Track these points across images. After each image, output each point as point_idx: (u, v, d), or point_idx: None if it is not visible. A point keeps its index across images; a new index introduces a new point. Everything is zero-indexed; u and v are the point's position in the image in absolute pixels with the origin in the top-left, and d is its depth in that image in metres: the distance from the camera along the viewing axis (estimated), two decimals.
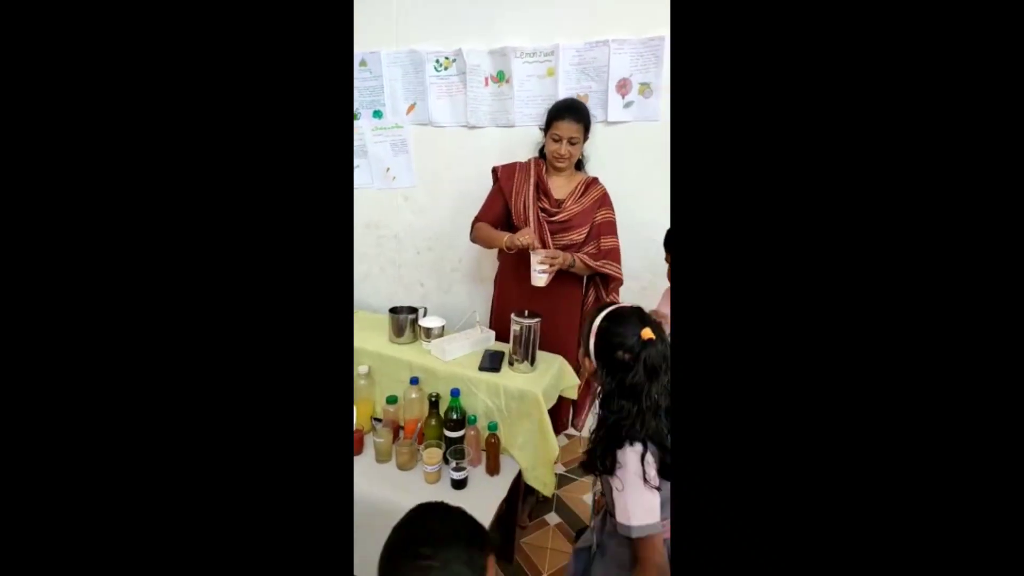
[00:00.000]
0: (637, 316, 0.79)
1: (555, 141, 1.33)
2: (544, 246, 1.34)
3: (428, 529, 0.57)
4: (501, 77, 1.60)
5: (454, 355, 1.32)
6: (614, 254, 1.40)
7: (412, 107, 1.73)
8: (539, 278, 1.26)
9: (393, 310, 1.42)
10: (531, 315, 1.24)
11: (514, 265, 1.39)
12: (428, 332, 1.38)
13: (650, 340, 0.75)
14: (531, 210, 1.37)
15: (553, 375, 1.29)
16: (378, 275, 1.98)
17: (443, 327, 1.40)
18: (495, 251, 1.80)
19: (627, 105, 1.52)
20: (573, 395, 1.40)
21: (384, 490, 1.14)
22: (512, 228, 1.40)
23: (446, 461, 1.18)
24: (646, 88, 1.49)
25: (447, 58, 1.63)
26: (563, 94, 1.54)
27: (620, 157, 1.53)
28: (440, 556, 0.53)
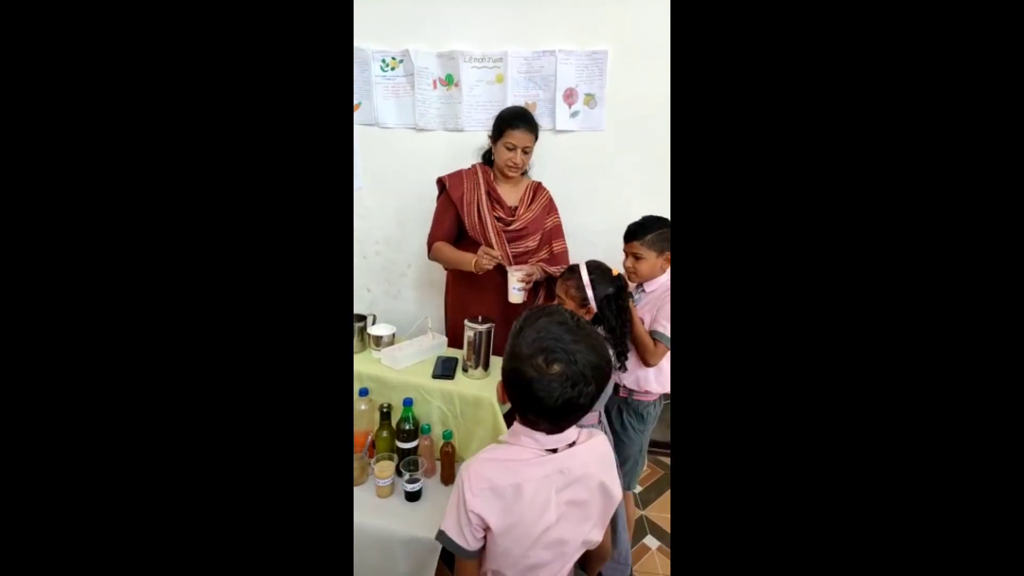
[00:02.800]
0: (599, 267, 1.13)
1: (509, 150, 1.32)
2: (506, 257, 1.34)
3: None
4: (450, 80, 1.58)
5: (406, 363, 1.29)
6: (565, 257, 1.45)
7: (357, 106, 1.67)
8: (517, 295, 1.28)
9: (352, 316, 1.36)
10: (484, 320, 1.24)
11: (465, 271, 1.38)
12: (378, 340, 1.33)
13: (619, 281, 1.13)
14: (488, 220, 1.36)
15: None
16: None
17: (393, 334, 1.36)
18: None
19: (573, 115, 1.57)
20: None
21: None
22: (465, 239, 1.39)
23: (399, 473, 1.14)
24: (591, 99, 1.55)
25: (394, 58, 1.59)
26: (512, 100, 1.56)
27: (565, 164, 1.58)
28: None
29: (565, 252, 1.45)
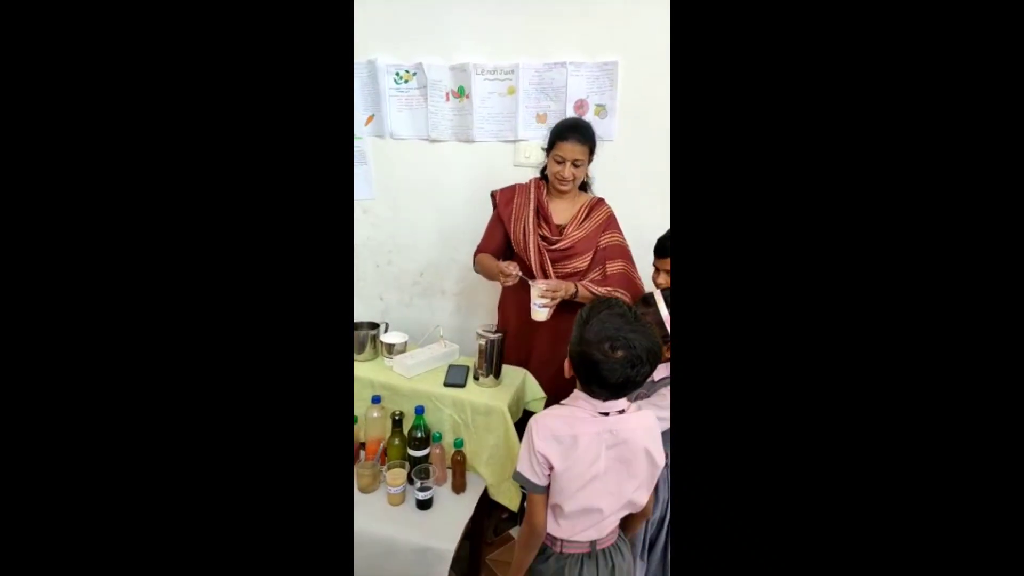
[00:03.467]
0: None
1: (558, 163, 1.25)
2: (545, 277, 1.27)
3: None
4: (462, 92, 1.61)
5: (417, 371, 1.30)
6: (621, 279, 1.29)
7: (370, 118, 1.70)
8: (539, 312, 1.18)
9: (353, 325, 1.38)
10: (497, 330, 1.24)
11: (514, 291, 1.31)
12: (390, 348, 1.35)
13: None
14: (531, 238, 1.29)
15: (517, 389, 1.30)
16: None
17: (406, 343, 1.38)
18: (457, 266, 1.80)
19: None
20: (538, 408, 1.41)
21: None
22: (515, 255, 1.34)
23: (411, 481, 1.15)
24: (602, 109, 1.56)
25: (407, 71, 1.62)
26: (524, 112, 1.58)
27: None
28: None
29: (621, 274, 1.29)
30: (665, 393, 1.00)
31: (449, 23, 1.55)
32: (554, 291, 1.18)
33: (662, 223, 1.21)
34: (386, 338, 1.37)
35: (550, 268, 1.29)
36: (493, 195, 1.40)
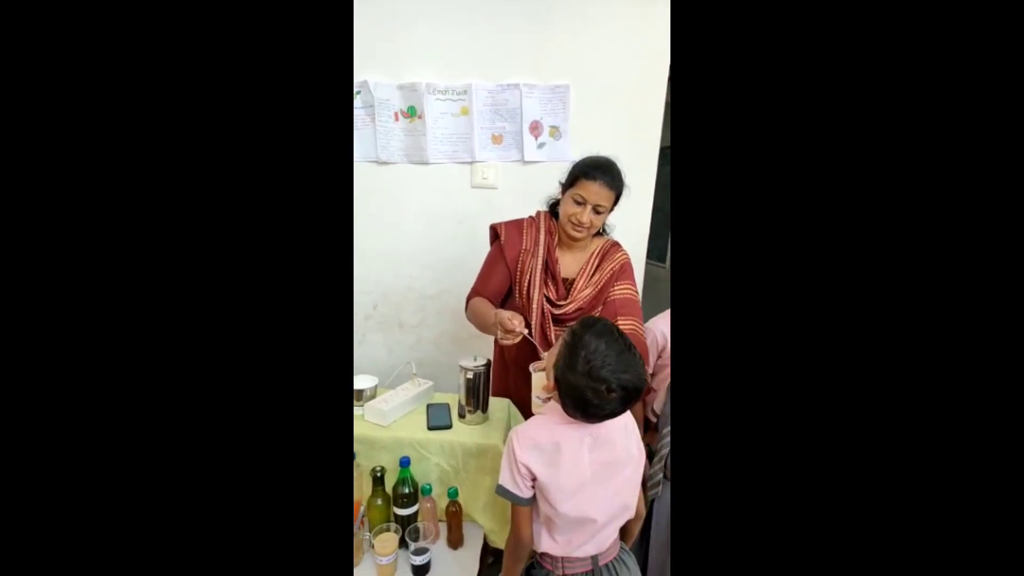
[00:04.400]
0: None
1: (577, 203, 1.04)
2: (545, 341, 1.08)
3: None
4: (412, 112, 1.53)
5: (395, 416, 1.16)
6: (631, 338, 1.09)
7: None
8: (538, 404, 0.94)
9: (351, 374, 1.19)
10: (480, 358, 1.15)
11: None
12: (359, 394, 1.19)
13: None
14: (535, 298, 1.10)
15: (505, 421, 1.21)
16: None
17: (376, 386, 1.22)
18: (415, 294, 1.67)
19: (540, 146, 1.58)
20: None
21: None
22: (513, 299, 1.16)
23: (403, 545, 1.00)
24: (555, 131, 1.58)
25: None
26: (479, 133, 1.54)
27: (538, 194, 1.58)
28: None
29: (631, 334, 1.04)
30: None
31: (397, 41, 1.48)
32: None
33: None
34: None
35: (551, 332, 1.11)
36: (494, 229, 1.18)
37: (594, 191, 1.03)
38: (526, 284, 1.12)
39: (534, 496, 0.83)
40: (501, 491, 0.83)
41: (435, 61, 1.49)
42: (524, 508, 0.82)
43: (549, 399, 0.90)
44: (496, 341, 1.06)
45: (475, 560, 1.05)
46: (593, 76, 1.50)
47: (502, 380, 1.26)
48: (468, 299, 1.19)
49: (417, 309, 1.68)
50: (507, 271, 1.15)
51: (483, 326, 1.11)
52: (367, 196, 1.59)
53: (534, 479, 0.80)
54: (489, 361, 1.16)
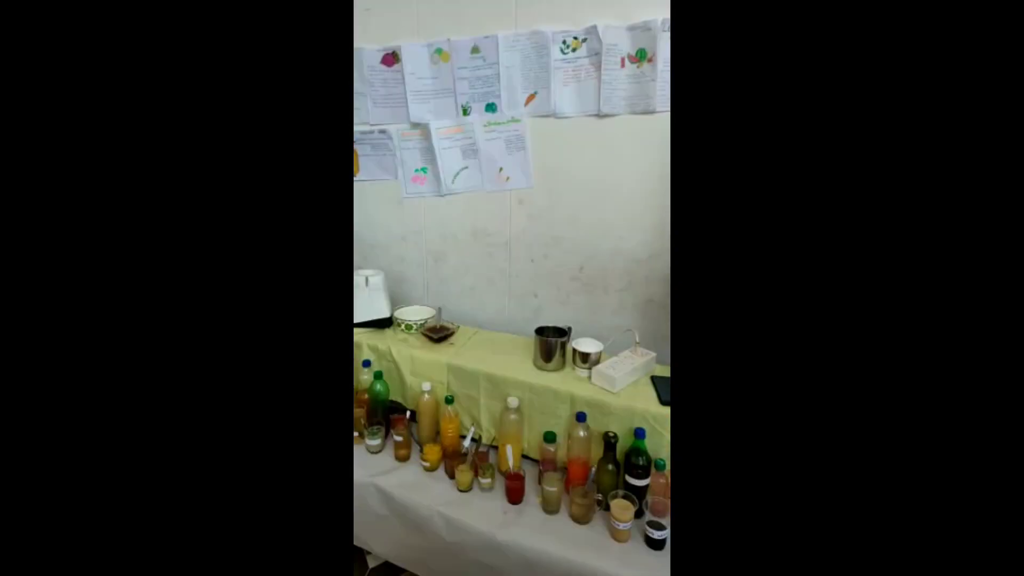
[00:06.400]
0: None
1: None
2: None
3: None
4: (642, 56, 1.38)
5: (622, 385, 1.13)
6: None
7: (532, 97, 1.54)
8: None
9: (539, 331, 1.24)
10: None
11: None
12: (585, 357, 1.19)
13: None
14: None
15: None
16: (486, 288, 1.81)
17: (601, 351, 1.21)
18: (623, 258, 1.59)
19: None
20: None
21: (566, 550, 0.96)
22: None
23: (637, 515, 0.99)
24: None
25: (575, 38, 1.42)
26: None
27: None
28: None
29: None
30: None
31: None
32: None
33: None
34: (578, 345, 1.21)
35: None
36: None
37: None
38: None
39: None
40: None
41: None
42: None
43: None
44: None
45: None
46: None
47: None
48: None
49: (623, 274, 1.61)
50: None
51: None
52: (582, 154, 1.53)
53: None
54: None
